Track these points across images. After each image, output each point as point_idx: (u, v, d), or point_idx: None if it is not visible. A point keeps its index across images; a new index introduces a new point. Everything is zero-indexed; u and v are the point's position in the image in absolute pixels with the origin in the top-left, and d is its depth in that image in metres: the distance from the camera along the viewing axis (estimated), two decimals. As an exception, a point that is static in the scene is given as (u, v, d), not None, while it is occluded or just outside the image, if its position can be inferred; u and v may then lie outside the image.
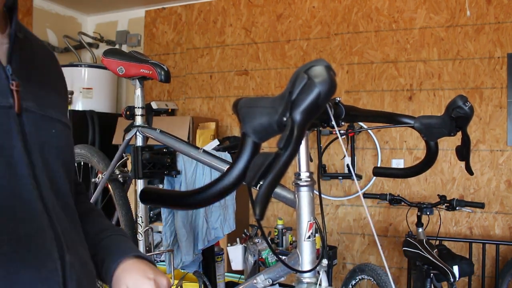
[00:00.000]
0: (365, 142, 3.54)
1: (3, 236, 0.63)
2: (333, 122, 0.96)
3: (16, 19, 0.76)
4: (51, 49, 0.92)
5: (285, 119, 0.61)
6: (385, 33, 3.49)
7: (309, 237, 1.05)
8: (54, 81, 0.86)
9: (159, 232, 3.68)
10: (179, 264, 2.10)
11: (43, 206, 0.69)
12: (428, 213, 2.69)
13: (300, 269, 1.05)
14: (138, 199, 1.93)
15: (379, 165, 3.46)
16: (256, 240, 2.93)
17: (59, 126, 0.79)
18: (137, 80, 1.91)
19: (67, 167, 0.82)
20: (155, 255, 1.97)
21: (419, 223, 2.70)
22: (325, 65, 0.61)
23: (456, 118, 1.10)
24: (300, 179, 1.03)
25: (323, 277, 1.06)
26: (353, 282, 2.70)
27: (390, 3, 3.48)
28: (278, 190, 1.19)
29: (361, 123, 3.23)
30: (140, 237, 1.88)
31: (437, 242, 2.75)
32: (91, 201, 2.10)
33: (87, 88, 3.89)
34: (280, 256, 1.06)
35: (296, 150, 0.61)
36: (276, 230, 3.05)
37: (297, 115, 0.60)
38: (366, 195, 2.98)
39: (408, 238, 2.63)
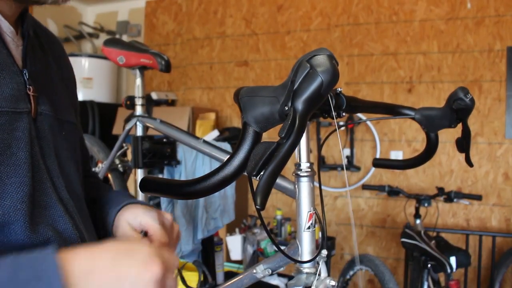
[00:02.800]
0: (364, 134, 3.55)
1: (31, 239, 0.61)
2: (333, 113, 0.96)
3: (28, 17, 0.74)
4: (56, 37, 0.90)
5: (286, 108, 0.61)
6: (385, 25, 3.49)
7: (308, 228, 1.05)
8: (64, 76, 0.84)
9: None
10: (178, 253, 2.11)
11: (65, 209, 0.69)
12: (426, 204, 2.71)
13: (299, 259, 1.06)
14: (138, 189, 1.94)
15: (378, 157, 3.46)
16: (255, 230, 2.94)
17: (69, 127, 0.79)
18: (137, 70, 1.90)
19: (78, 168, 0.81)
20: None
21: (417, 215, 2.72)
22: (327, 54, 0.61)
23: (457, 110, 1.10)
24: (301, 170, 1.03)
25: (322, 267, 1.06)
26: (351, 273, 2.72)
27: (391, -5, 3.48)
28: (278, 180, 1.20)
29: (360, 115, 3.23)
30: (140, 227, 1.89)
31: (435, 234, 2.77)
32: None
33: (87, 78, 3.88)
34: (280, 246, 1.06)
35: (298, 140, 0.60)
36: (275, 220, 3.06)
37: (299, 105, 0.60)
38: (365, 187, 3.00)
39: (406, 230, 2.64)
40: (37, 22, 0.81)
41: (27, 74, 0.68)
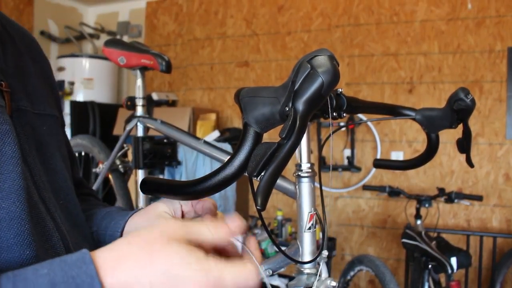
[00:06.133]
0: (364, 134, 3.55)
1: (14, 239, 0.57)
2: (330, 115, 0.96)
3: None
4: (29, 32, 0.84)
5: (287, 109, 0.61)
6: (386, 25, 3.49)
7: (309, 228, 1.05)
8: (40, 70, 0.79)
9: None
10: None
11: (46, 208, 0.65)
12: (426, 205, 2.71)
13: (300, 260, 1.06)
14: (139, 189, 1.94)
15: (378, 158, 3.47)
16: (256, 231, 2.94)
17: (50, 121, 0.74)
18: (138, 71, 1.91)
19: (65, 162, 0.76)
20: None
21: (417, 215, 2.72)
22: (328, 55, 0.60)
23: (458, 111, 1.10)
24: (301, 170, 1.03)
25: (323, 268, 1.07)
26: (352, 273, 2.72)
27: (392, -5, 3.48)
28: (279, 181, 1.19)
29: (360, 115, 3.23)
30: (141, 227, 1.89)
31: (435, 234, 2.77)
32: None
33: (88, 79, 3.89)
34: (281, 247, 1.06)
35: (298, 140, 0.60)
36: (276, 221, 3.06)
37: (300, 105, 0.60)
38: (365, 187, 3.00)
39: (407, 230, 2.64)
40: (7, 17, 0.77)
41: None
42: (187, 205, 0.78)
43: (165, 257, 0.48)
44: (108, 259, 0.48)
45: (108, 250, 0.50)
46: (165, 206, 0.77)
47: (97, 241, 0.81)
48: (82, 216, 0.77)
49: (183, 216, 0.80)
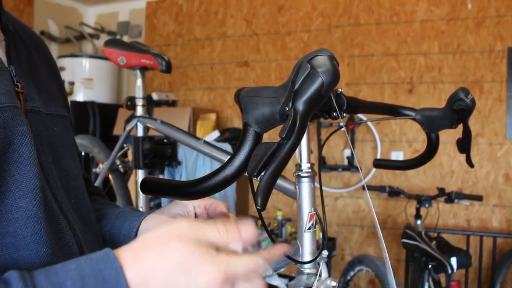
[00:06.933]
0: (364, 134, 3.55)
1: (31, 237, 0.59)
2: (336, 113, 0.96)
3: (3, 10, 0.70)
4: (36, 33, 0.86)
5: (287, 109, 0.61)
6: (386, 25, 3.49)
7: (309, 228, 1.05)
8: (49, 70, 0.81)
9: (159, 222, 3.69)
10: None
11: (59, 207, 0.66)
12: (426, 205, 2.71)
13: (300, 260, 1.06)
14: (139, 189, 1.94)
15: (378, 158, 3.46)
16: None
17: (61, 121, 0.76)
18: (138, 71, 1.91)
19: (76, 162, 0.78)
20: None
21: (417, 215, 2.72)
22: (328, 55, 0.60)
23: (458, 111, 1.10)
24: (301, 170, 1.03)
25: (323, 268, 1.07)
26: (352, 273, 2.72)
27: (392, -5, 3.48)
28: (279, 181, 1.20)
29: (360, 115, 3.23)
30: (141, 227, 1.89)
31: (436, 234, 2.77)
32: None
33: (88, 79, 3.89)
34: (280, 246, 1.06)
35: (298, 140, 0.60)
36: (276, 221, 3.06)
37: (300, 105, 0.60)
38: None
39: (407, 230, 2.65)
40: (15, 18, 0.78)
41: (13, 70, 0.65)
42: (200, 208, 0.80)
43: (179, 253, 0.50)
44: (128, 257, 0.51)
45: (126, 249, 0.53)
46: (178, 209, 0.79)
47: (110, 241, 0.83)
48: (92, 215, 0.79)
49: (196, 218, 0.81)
